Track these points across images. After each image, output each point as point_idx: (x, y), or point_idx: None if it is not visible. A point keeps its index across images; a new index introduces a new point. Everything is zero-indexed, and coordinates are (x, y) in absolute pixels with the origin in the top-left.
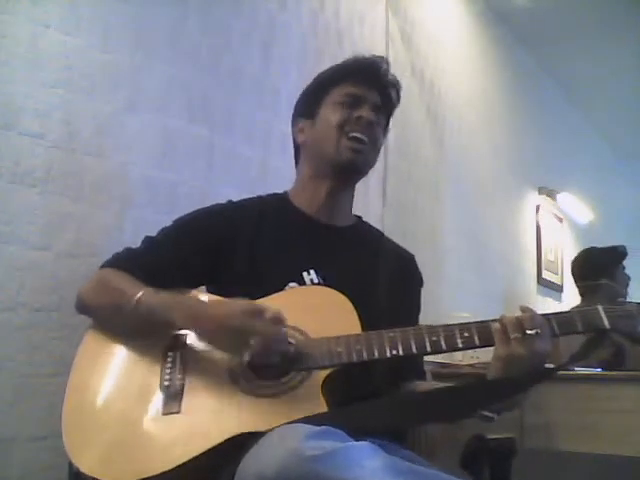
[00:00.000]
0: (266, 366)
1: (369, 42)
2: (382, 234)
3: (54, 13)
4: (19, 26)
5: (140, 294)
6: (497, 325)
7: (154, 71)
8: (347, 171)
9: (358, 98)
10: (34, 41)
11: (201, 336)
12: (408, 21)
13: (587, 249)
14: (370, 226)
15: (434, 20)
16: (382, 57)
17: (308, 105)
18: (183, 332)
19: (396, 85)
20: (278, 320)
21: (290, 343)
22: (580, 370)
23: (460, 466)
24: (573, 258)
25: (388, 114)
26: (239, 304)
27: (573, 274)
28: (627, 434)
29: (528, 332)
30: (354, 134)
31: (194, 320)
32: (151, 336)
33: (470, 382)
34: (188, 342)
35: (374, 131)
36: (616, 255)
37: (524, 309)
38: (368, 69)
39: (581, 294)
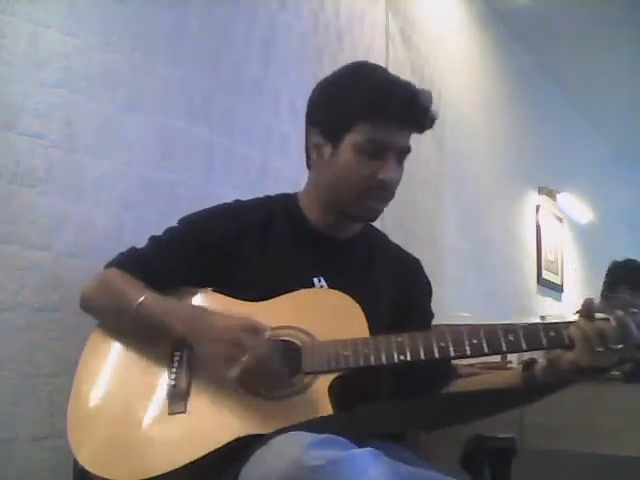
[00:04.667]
0: (255, 383)
1: (369, 42)
2: (386, 239)
3: (54, 13)
4: (19, 26)
5: (142, 298)
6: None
7: (154, 71)
8: (361, 222)
9: (384, 147)
10: (34, 41)
11: (197, 345)
12: (408, 21)
13: (629, 259)
14: (375, 230)
15: (434, 20)
16: (427, 93)
17: (328, 123)
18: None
19: (432, 122)
20: (268, 344)
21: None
22: None
23: (460, 466)
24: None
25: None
26: (239, 319)
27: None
28: (627, 434)
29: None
30: (375, 198)
31: (193, 329)
32: (152, 340)
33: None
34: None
35: (395, 187)
36: None
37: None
38: (406, 113)
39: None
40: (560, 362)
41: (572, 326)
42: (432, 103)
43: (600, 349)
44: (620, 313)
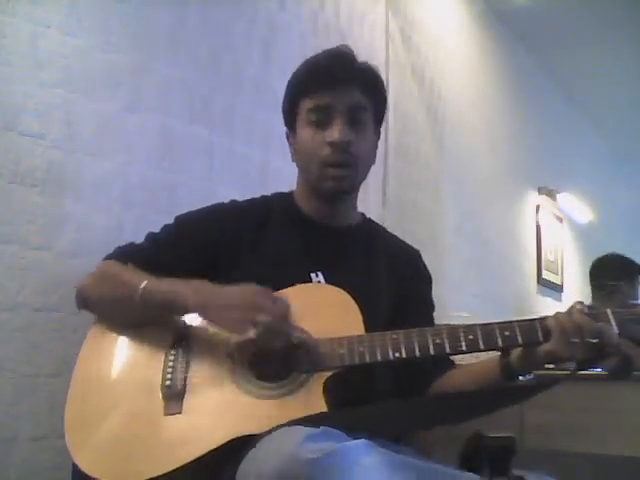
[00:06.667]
0: (268, 352)
1: (369, 42)
2: (385, 231)
3: (54, 13)
4: (19, 26)
5: (146, 282)
6: (554, 324)
7: (154, 71)
8: (333, 196)
9: (326, 111)
10: (34, 41)
11: (211, 313)
12: (408, 21)
13: (612, 253)
14: (373, 223)
15: (434, 20)
16: (345, 47)
17: (286, 116)
18: (188, 323)
19: (370, 72)
20: (286, 307)
21: (292, 334)
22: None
23: (459, 465)
24: (596, 260)
25: (374, 103)
26: (251, 285)
27: (592, 275)
28: (627, 434)
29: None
30: (332, 164)
31: (204, 299)
32: (158, 323)
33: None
34: (191, 337)
35: (353, 147)
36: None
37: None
38: (329, 71)
39: (593, 296)
40: (536, 351)
41: (549, 317)
42: (353, 54)
43: (575, 339)
44: (602, 309)
